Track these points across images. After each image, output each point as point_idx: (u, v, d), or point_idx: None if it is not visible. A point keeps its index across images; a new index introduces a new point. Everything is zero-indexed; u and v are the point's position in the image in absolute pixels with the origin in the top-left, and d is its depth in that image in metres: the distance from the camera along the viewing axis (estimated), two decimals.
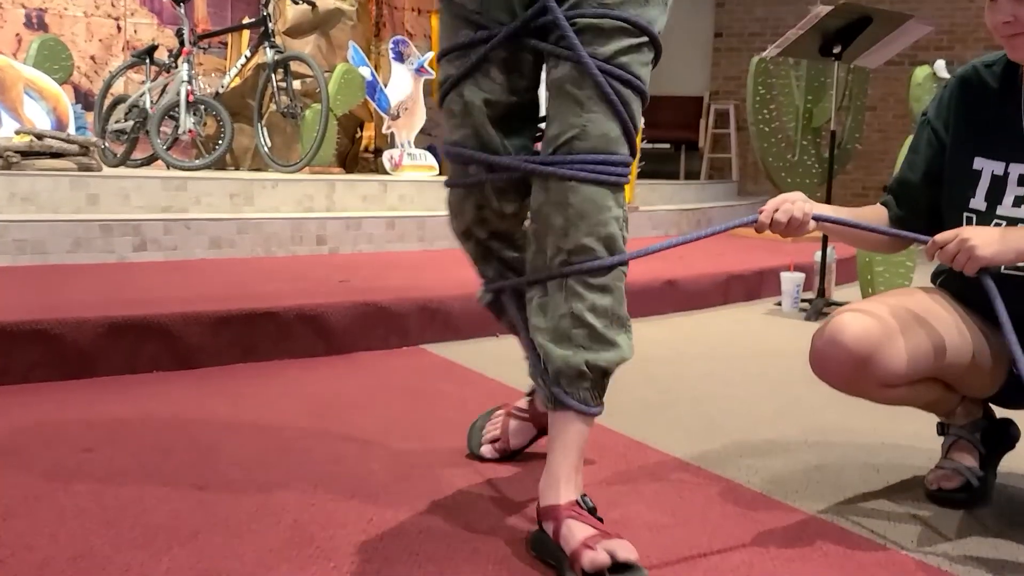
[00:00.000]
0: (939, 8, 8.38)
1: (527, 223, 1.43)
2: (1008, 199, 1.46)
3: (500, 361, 2.63)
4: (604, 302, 1.32)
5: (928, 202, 1.60)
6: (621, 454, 1.81)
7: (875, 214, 1.64)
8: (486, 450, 1.76)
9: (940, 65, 3.55)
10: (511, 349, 2.78)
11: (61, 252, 3.18)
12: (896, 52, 3.84)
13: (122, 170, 4.53)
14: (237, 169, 5.61)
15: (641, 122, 1.39)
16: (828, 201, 3.78)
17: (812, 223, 1.44)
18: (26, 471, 1.61)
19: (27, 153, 3.70)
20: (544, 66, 1.39)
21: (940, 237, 1.39)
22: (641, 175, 5.77)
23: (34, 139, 3.79)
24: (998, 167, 1.47)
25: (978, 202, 1.50)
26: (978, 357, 1.49)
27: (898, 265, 3.53)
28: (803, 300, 3.74)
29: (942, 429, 1.69)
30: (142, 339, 2.32)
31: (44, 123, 4.45)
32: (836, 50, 3.60)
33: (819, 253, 3.71)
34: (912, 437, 1.99)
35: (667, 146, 9.14)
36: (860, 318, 1.41)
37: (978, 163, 1.50)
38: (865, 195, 8.86)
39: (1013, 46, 1.42)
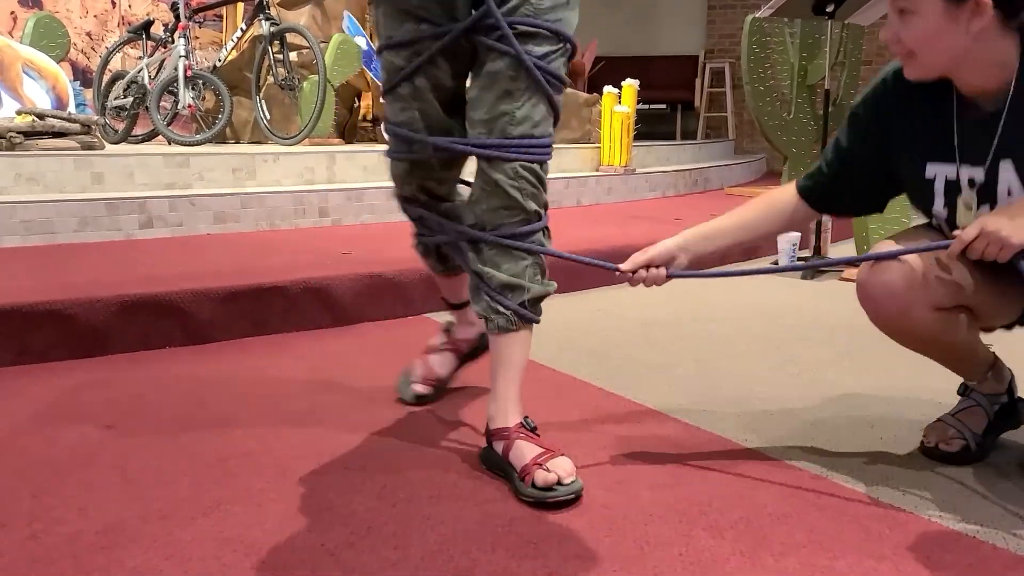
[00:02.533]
0: None
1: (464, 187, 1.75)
2: (961, 204, 1.47)
3: None
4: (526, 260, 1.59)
5: (858, 187, 1.61)
6: (623, 417, 1.88)
7: (766, 205, 1.65)
8: (418, 387, 1.94)
9: None
10: None
11: (68, 231, 3.23)
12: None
13: (125, 148, 4.54)
14: (237, 142, 5.64)
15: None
16: None
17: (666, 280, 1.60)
18: (52, 448, 1.67)
19: (29, 133, 3.73)
20: (478, 58, 1.57)
21: (965, 235, 1.34)
22: (637, 136, 5.79)
23: (36, 119, 3.82)
24: (950, 171, 1.47)
25: (939, 208, 1.51)
26: (1001, 282, 1.50)
27: (893, 222, 3.58)
28: (799, 259, 3.79)
29: (964, 390, 1.72)
30: (154, 316, 2.38)
31: (44, 102, 4.47)
32: (829, 8, 3.62)
33: None
34: (907, 395, 2.06)
35: (663, 106, 9.13)
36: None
37: (929, 171, 1.50)
38: None
39: (905, 65, 1.42)
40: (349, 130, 5.98)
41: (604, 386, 2.10)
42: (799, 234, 3.81)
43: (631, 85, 5.46)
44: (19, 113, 4.02)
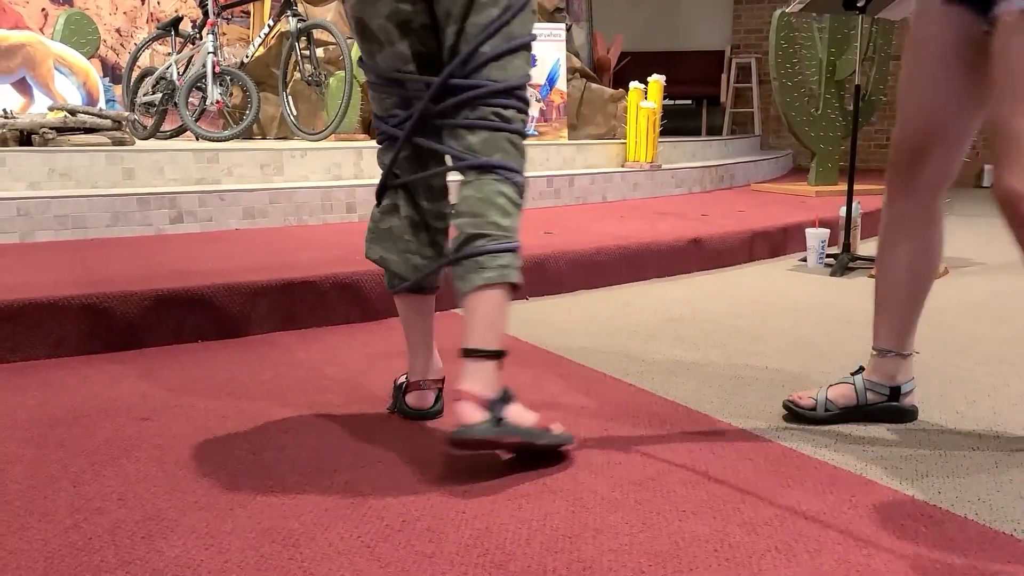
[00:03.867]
0: None
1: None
2: None
3: (531, 324, 2.69)
4: None
5: None
6: (654, 412, 1.88)
7: None
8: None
9: None
10: (540, 312, 2.84)
11: (101, 226, 3.27)
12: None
13: (156, 144, 4.59)
14: (264, 138, 5.68)
15: None
16: (853, 153, 3.77)
17: None
18: (90, 440, 1.70)
19: (62, 129, 3.78)
20: None
21: None
22: (663, 132, 5.77)
23: (68, 115, 3.87)
24: None
25: None
26: None
27: None
28: (828, 255, 3.76)
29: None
30: (186, 310, 2.40)
31: (75, 98, 4.53)
32: (860, 3, 3.58)
33: (844, 208, 3.72)
34: (940, 393, 2.04)
35: (688, 102, 9.09)
36: None
37: None
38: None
39: None
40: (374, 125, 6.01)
41: (635, 382, 2.10)
42: (828, 230, 3.79)
43: (657, 81, 5.44)
44: (51, 109, 4.07)
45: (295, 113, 5.20)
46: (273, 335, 2.53)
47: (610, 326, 2.68)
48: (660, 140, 5.67)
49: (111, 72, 5.91)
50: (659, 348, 2.43)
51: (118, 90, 5.49)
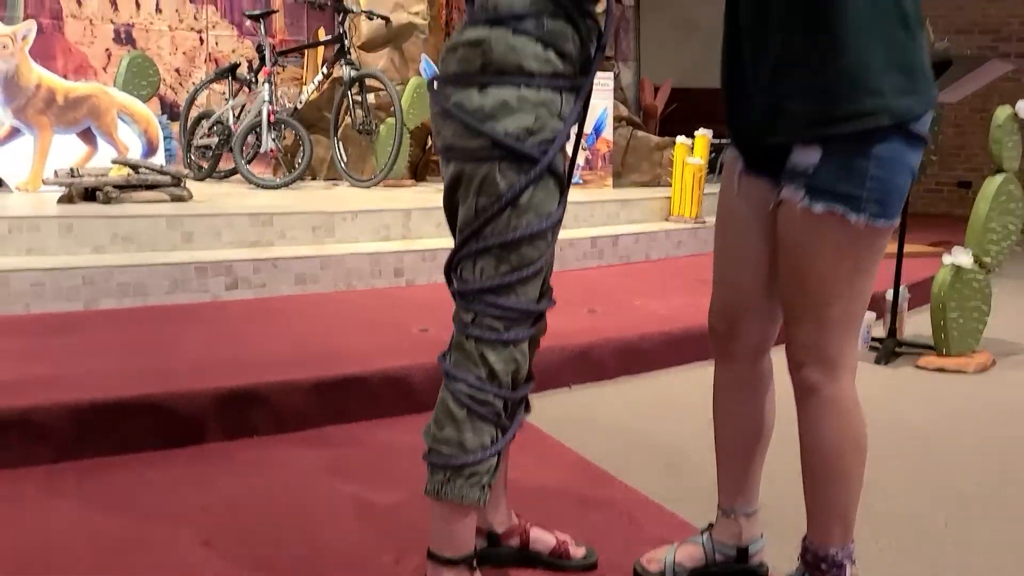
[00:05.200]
0: None
1: None
2: None
3: (575, 422, 2.73)
4: None
5: None
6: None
7: None
8: None
9: (1022, 105, 3.49)
10: (584, 404, 2.87)
11: (160, 293, 3.38)
12: (976, 89, 3.81)
13: (214, 208, 4.57)
14: (314, 178, 5.79)
15: None
16: (901, 234, 3.75)
17: None
18: (155, 570, 1.78)
19: (124, 187, 3.90)
20: None
21: None
22: (710, 171, 5.66)
23: (131, 172, 3.99)
24: None
25: None
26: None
27: (972, 310, 3.54)
28: (873, 339, 3.76)
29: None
30: (244, 407, 2.49)
31: (136, 146, 4.66)
32: None
33: (891, 291, 3.72)
34: (987, 529, 2.03)
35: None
36: None
37: None
38: (939, 191, 8.70)
39: None
40: (421, 168, 6.10)
41: (678, 511, 2.12)
42: (874, 314, 3.79)
43: (704, 136, 5.45)
44: (114, 162, 4.20)
45: (345, 159, 5.30)
46: (325, 430, 2.60)
47: (649, 426, 2.71)
48: (706, 190, 5.65)
49: (169, 110, 6.08)
50: (703, 460, 2.43)
51: (175, 127, 5.64)
